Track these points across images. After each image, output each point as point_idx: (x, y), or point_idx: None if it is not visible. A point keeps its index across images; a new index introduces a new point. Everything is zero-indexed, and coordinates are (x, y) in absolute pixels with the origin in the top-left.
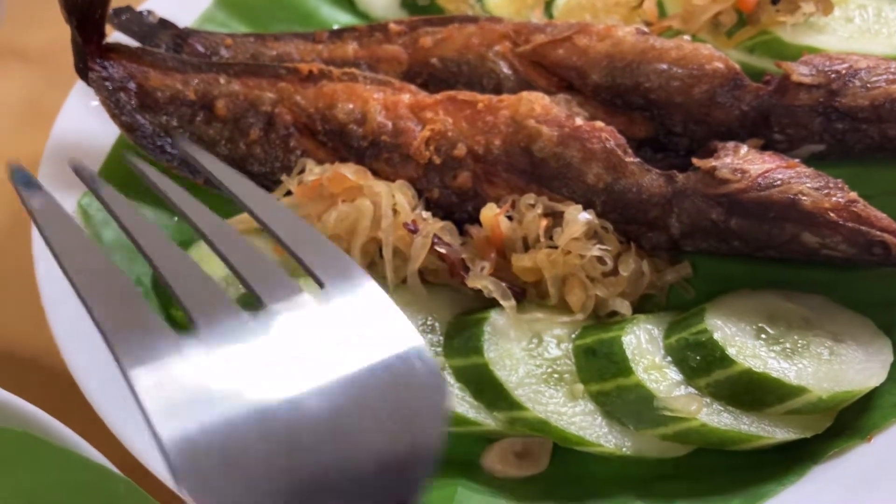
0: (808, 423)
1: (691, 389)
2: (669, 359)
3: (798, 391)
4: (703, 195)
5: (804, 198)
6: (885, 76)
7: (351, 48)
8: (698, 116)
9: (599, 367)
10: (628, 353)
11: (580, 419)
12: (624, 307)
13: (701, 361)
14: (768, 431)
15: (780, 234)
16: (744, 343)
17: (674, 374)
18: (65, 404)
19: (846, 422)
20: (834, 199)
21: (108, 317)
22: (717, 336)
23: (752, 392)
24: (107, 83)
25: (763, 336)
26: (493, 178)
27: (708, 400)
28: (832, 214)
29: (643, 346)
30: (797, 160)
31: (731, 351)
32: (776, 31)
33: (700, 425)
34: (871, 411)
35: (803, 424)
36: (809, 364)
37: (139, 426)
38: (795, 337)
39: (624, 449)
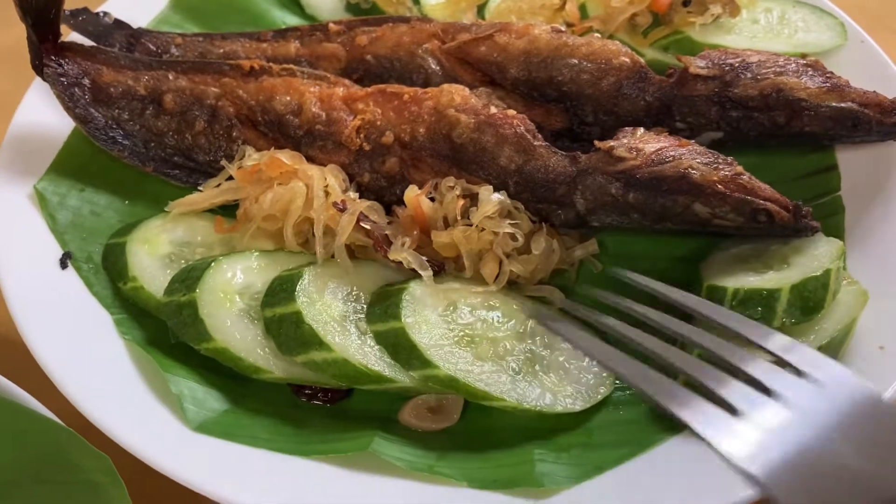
0: None
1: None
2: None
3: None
4: (603, 173)
5: (693, 171)
6: (773, 69)
7: (293, 46)
8: (607, 107)
9: None
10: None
11: (486, 376)
12: (556, 295)
13: (763, 309)
14: None
15: (674, 206)
16: (764, 277)
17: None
18: (17, 366)
19: None
20: (721, 172)
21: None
22: (752, 285)
23: (809, 298)
24: (62, 79)
25: (757, 271)
26: (418, 163)
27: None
28: (720, 186)
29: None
30: (691, 140)
31: (770, 286)
32: (687, 31)
33: None
34: None
35: None
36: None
37: (83, 386)
38: (765, 258)
39: (525, 404)
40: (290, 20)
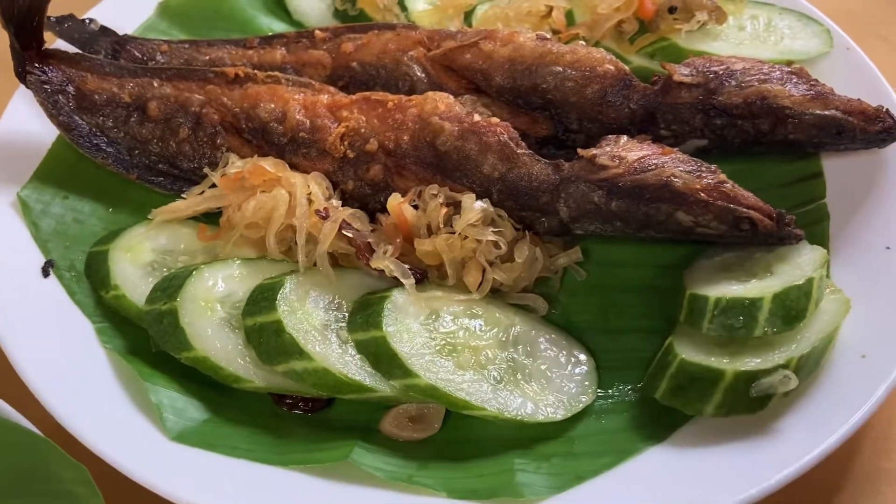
0: None
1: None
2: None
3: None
4: (586, 181)
5: (676, 180)
6: (757, 76)
7: (279, 53)
8: (592, 114)
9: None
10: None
11: (468, 386)
12: (539, 303)
13: (744, 318)
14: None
15: (657, 214)
16: (747, 285)
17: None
18: None
19: None
20: (704, 180)
21: None
22: (734, 294)
23: (791, 307)
24: (45, 86)
25: (740, 279)
26: (402, 171)
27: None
28: (702, 194)
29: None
30: (675, 148)
31: (752, 295)
32: (674, 38)
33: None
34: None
35: None
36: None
37: (62, 395)
38: (748, 266)
39: (506, 413)
40: (277, 27)
